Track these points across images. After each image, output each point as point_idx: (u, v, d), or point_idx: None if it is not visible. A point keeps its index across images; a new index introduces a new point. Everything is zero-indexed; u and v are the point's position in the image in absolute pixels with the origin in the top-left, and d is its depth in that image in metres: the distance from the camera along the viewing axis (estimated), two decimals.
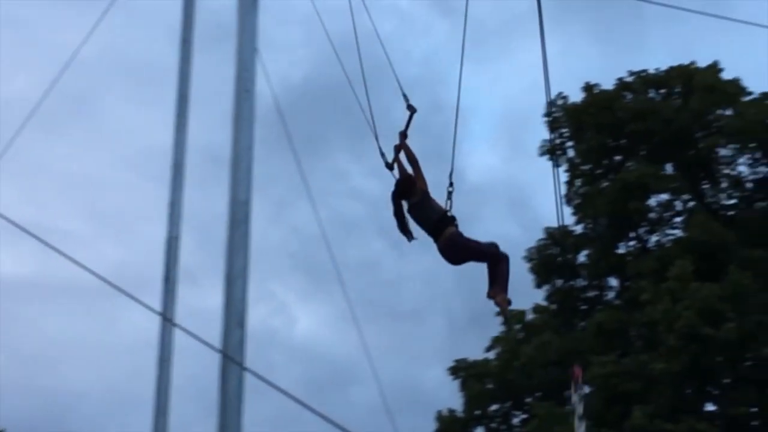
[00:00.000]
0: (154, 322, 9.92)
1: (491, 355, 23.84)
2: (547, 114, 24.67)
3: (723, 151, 23.42)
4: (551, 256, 24.15)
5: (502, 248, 7.78)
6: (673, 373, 19.65)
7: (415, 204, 7.85)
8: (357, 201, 36.11)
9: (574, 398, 11.48)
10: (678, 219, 23.51)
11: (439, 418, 23.52)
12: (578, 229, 24.33)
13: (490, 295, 7.55)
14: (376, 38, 9.13)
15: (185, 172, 10.56)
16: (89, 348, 32.30)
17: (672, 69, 24.22)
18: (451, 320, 33.69)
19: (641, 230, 23.83)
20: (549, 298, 24.13)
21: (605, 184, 23.91)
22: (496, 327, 23.95)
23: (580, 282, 24.33)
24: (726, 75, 23.42)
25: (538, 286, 23.89)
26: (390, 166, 8.12)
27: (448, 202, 7.83)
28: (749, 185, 23.37)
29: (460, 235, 7.70)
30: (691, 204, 23.47)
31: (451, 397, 23.70)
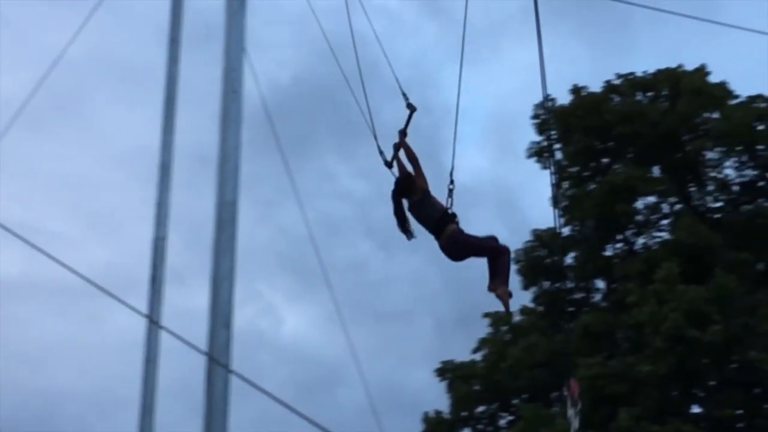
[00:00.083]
0: (140, 323, 9.90)
1: (478, 356, 23.87)
2: (536, 116, 24.74)
3: (710, 154, 23.47)
4: (539, 258, 24.20)
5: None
6: (659, 375, 19.69)
7: (416, 202, 7.90)
8: (345, 202, 36.13)
9: (570, 413, 11.40)
10: (665, 221, 23.57)
11: (426, 419, 23.52)
12: (566, 231, 24.39)
13: (491, 288, 7.59)
14: (365, 39, 9.14)
15: (173, 172, 10.55)
16: (76, 348, 32.20)
17: (659, 72, 24.27)
18: (438, 321, 33.73)
19: (628, 232, 23.88)
20: (536, 299, 24.17)
21: (593, 186, 23.95)
22: (483, 328, 24.02)
23: (567, 284, 24.36)
24: (713, 78, 23.51)
25: (526, 288, 23.92)
26: (389, 165, 8.17)
27: (449, 199, 7.90)
28: (735, 188, 23.44)
29: (461, 232, 7.77)
30: (678, 207, 23.53)
31: (438, 398, 23.73)
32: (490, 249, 7.73)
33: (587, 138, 24.16)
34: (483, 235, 7.86)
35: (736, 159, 23.26)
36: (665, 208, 23.64)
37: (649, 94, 24.43)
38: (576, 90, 24.43)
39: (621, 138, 23.85)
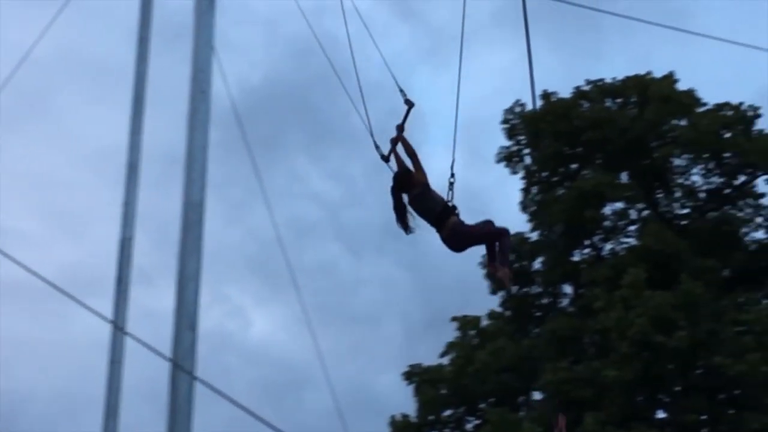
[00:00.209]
0: (105, 324, 9.80)
1: (446, 360, 23.86)
2: (505, 121, 24.80)
3: (677, 161, 23.61)
4: None
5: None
6: (625, 381, 19.78)
7: (417, 196, 7.96)
8: (314, 204, 36.07)
9: None
10: (632, 228, 23.69)
11: (393, 423, 23.48)
12: (534, 236, 24.43)
13: (491, 271, 7.67)
14: (336, 42, 9.15)
15: (141, 172, 10.48)
16: (40, 348, 31.85)
17: (628, 79, 24.39)
18: (406, 325, 33.73)
19: (596, 238, 23.96)
20: (504, 304, 24.20)
21: (561, 191, 24.02)
22: (450, 332, 24.03)
23: (535, 289, 24.43)
24: (681, 86, 23.63)
25: (493, 292, 23.94)
26: (386, 159, 8.20)
27: (450, 192, 7.97)
28: (702, 195, 23.61)
29: (462, 223, 7.87)
30: (645, 213, 23.67)
31: (405, 402, 23.71)
32: (491, 234, 7.87)
33: (556, 143, 24.22)
34: (480, 222, 7.98)
35: (703, 166, 23.41)
36: (633, 214, 23.75)
37: (618, 100, 24.54)
38: (546, 95, 24.48)
39: (590, 144, 23.94)
